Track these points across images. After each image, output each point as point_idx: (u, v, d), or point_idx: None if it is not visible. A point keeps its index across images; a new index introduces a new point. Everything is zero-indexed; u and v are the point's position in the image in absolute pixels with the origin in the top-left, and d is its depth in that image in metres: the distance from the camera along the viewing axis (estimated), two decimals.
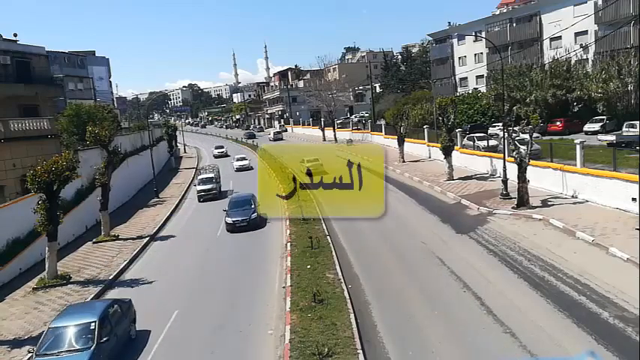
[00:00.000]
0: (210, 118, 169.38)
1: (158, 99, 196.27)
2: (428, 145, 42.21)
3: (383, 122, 56.63)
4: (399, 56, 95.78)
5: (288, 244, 21.29)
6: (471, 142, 36.26)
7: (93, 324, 12.50)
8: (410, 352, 12.19)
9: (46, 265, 19.64)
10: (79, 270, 21.20)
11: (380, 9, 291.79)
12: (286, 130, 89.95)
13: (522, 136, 24.97)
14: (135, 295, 18.26)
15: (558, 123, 42.64)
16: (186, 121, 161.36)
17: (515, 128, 25.56)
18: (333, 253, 19.64)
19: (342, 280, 16.60)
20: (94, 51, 69.03)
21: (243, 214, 25.64)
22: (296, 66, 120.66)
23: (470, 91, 56.13)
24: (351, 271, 18.03)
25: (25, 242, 22.51)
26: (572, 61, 46.29)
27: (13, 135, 28.41)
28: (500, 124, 38.25)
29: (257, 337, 13.90)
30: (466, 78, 63.29)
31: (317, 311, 14.21)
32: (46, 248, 19.57)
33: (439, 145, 32.83)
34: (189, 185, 42.40)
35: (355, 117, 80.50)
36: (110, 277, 19.88)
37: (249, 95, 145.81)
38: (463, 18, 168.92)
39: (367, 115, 75.71)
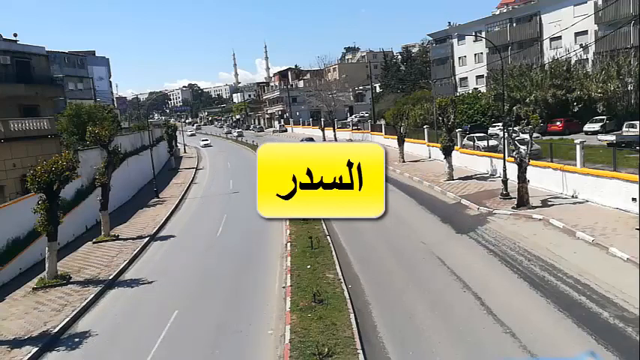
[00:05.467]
0: (210, 118, 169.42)
1: (158, 99, 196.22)
2: (428, 145, 42.22)
3: (383, 122, 56.64)
4: (399, 56, 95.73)
5: (288, 244, 21.29)
6: (471, 142, 36.28)
7: None
8: (410, 352, 12.19)
9: (46, 265, 19.62)
10: (79, 270, 21.19)
11: (380, 9, 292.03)
12: (286, 130, 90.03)
13: (522, 136, 25.00)
14: (135, 295, 18.36)
15: (558, 123, 42.66)
16: (187, 120, 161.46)
17: (515, 128, 25.60)
18: (333, 253, 19.64)
19: (342, 280, 16.60)
20: (94, 51, 69.16)
21: None
22: (296, 66, 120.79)
23: (470, 91, 56.13)
24: (351, 271, 18.02)
25: (25, 242, 22.48)
26: (572, 61, 46.29)
27: (13, 135, 28.38)
28: (500, 124, 38.25)
29: (257, 337, 13.90)
30: (466, 78, 63.27)
31: (317, 311, 14.22)
32: (46, 248, 19.55)
33: (439, 145, 32.84)
34: (190, 185, 42.47)
35: (355, 117, 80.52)
36: (110, 277, 19.87)
37: (249, 95, 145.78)
38: (463, 18, 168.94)
39: (367, 115, 75.72)
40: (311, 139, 66.60)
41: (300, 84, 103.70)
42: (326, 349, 11.81)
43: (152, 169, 39.10)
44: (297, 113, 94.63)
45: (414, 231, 22.27)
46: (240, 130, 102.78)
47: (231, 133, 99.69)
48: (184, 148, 72.49)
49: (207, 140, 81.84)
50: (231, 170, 49.79)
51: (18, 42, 35.00)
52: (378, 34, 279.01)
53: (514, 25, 56.61)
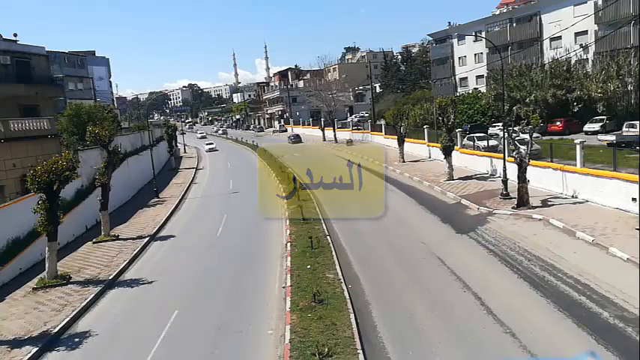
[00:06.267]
0: (210, 118, 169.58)
1: (158, 99, 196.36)
2: (428, 145, 42.22)
3: (383, 122, 56.64)
4: (399, 56, 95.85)
5: (288, 244, 21.29)
6: (471, 142, 36.28)
7: None
8: (410, 352, 12.19)
9: (46, 265, 19.63)
10: (79, 270, 21.19)
11: (380, 9, 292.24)
12: (286, 130, 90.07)
13: (522, 136, 24.99)
14: (135, 295, 18.36)
15: (558, 123, 42.68)
16: (187, 121, 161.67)
17: (515, 128, 25.58)
18: (333, 253, 19.64)
19: (342, 280, 16.60)
20: (94, 51, 69.29)
21: None
22: (296, 66, 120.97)
23: (470, 91, 56.14)
24: (351, 271, 18.02)
25: (25, 242, 22.48)
26: (572, 61, 46.31)
27: (13, 135, 28.36)
28: (500, 124, 38.25)
29: (257, 337, 13.89)
30: (466, 78, 63.29)
31: (317, 311, 14.22)
32: (46, 248, 19.56)
33: (439, 145, 32.85)
34: (190, 185, 42.48)
35: (355, 117, 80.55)
36: (110, 277, 19.87)
37: (249, 95, 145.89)
38: (463, 18, 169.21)
39: (367, 115, 75.76)
40: (297, 136, 71.49)
41: (300, 84, 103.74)
42: (326, 349, 11.81)
43: (152, 169, 39.11)
44: (297, 113, 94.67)
45: (414, 231, 22.26)
46: (224, 128, 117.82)
47: (218, 131, 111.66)
48: (184, 148, 72.52)
49: (212, 144, 73.06)
50: (231, 170, 49.80)
51: (18, 42, 34.98)
52: (378, 34, 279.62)
53: (514, 25, 56.62)
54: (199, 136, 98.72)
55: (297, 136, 72.64)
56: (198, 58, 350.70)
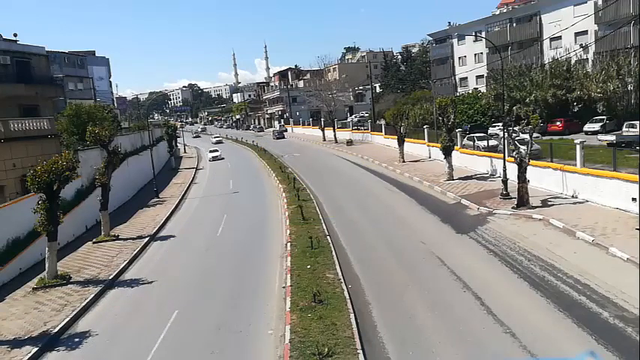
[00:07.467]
0: (210, 118, 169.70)
1: (158, 99, 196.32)
2: (428, 145, 42.22)
3: (383, 122, 56.63)
4: (399, 56, 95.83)
5: (288, 244, 21.29)
6: (471, 142, 36.27)
7: None
8: (410, 352, 12.19)
9: (46, 265, 19.63)
10: (79, 270, 21.19)
11: (380, 9, 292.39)
12: (286, 130, 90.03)
13: (522, 136, 24.98)
14: (135, 295, 18.36)
15: (558, 123, 42.68)
16: (187, 120, 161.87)
17: (515, 128, 25.57)
18: (333, 253, 19.64)
19: (342, 280, 16.60)
20: (94, 51, 69.35)
21: None
22: (296, 66, 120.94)
23: (470, 91, 56.13)
24: (351, 271, 18.02)
25: (25, 242, 22.49)
26: (572, 61, 46.30)
27: (13, 135, 28.34)
28: (500, 124, 38.25)
29: (257, 337, 13.89)
30: (466, 78, 63.29)
31: (317, 311, 14.22)
32: (46, 248, 19.56)
33: (439, 145, 32.83)
34: (190, 185, 42.49)
35: (355, 117, 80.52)
36: (110, 277, 19.88)
37: (249, 95, 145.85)
38: (463, 18, 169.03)
39: (367, 115, 75.76)
40: (281, 132, 79.70)
41: (300, 84, 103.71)
42: (326, 349, 11.81)
43: (152, 169, 39.10)
44: (297, 113, 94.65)
45: (414, 231, 22.25)
46: (204, 126, 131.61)
47: (203, 131, 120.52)
48: (184, 148, 72.47)
49: (217, 151, 62.31)
50: (231, 170, 49.80)
51: (18, 42, 34.97)
52: (378, 34, 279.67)
53: (514, 25, 56.63)
54: (214, 140, 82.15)
55: (281, 132, 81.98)
56: (198, 58, 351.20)
